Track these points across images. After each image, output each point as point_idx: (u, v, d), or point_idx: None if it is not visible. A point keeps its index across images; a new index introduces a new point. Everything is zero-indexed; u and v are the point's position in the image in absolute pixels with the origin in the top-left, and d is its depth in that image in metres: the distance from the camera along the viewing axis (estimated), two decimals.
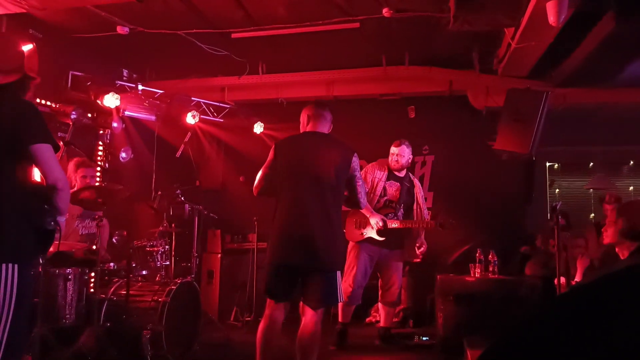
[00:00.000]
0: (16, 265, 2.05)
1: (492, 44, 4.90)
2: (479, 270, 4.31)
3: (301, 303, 2.89)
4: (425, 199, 4.79)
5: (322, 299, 2.84)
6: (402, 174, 4.44)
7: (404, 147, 4.36)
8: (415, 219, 4.41)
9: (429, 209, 4.63)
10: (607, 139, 5.72)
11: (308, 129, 3.07)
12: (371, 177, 4.35)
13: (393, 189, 4.35)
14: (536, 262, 4.47)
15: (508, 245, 5.51)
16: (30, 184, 2.20)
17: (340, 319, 4.35)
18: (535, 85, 4.91)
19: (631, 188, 6.24)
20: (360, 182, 3.01)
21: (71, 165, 4.32)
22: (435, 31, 4.68)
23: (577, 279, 3.95)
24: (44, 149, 2.12)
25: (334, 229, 2.88)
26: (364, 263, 4.23)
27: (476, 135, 5.59)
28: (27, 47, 2.26)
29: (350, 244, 4.30)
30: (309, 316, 2.81)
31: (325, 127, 3.07)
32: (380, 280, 4.45)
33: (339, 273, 2.90)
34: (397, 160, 4.35)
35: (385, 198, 4.32)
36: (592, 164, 6.13)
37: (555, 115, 5.10)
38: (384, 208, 4.31)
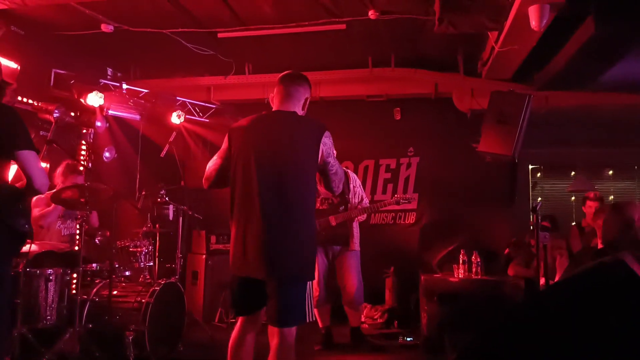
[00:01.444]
0: None
1: (476, 47, 4.96)
2: (463, 271, 4.36)
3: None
4: (410, 200, 4.78)
5: (283, 316, 2.28)
6: None
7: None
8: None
9: (413, 210, 4.65)
10: (589, 142, 5.83)
11: (274, 108, 2.56)
12: None
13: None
14: (519, 262, 4.53)
15: (491, 246, 5.58)
16: (6, 186, 2.19)
17: (320, 324, 4.37)
18: (519, 88, 4.98)
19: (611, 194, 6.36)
20: (333, 169, 2.47)
21: (62, 168, 4.28)
22: (421, 33, 4.72)
23: (557, 279, 4.01)
24: (30, 156, 2.18)
25: (297, 230, 2.33)
26: (320, 263, 4.19)
27: (461, 137, 5.65)
28: None
29: None
30: (274, 338, 2.30)
31: (294, 104, 2.51)
32: (339, 282, 4.35)
33: (309, 284, 2.38)
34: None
35: (321, 197, 4.27)
36: (573, 173, 6.23)
37: (538, 118, 5.17)
38: (321, 205, 4.30)
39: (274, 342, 2.29)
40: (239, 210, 2.41)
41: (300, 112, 2.54)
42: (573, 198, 6.30)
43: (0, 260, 2.19)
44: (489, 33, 4.36)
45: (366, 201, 4.50)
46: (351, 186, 4.41)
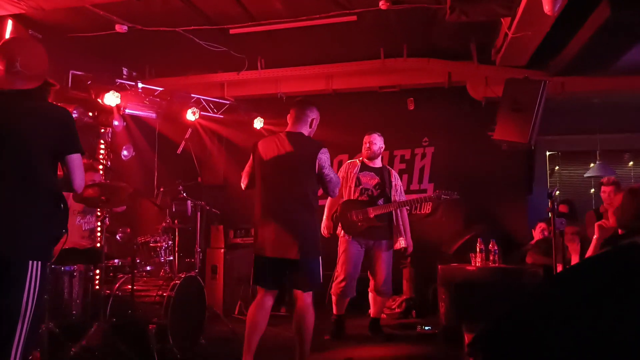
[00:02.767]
0: (40, 263, 2.14)
1: (489, 34, 4.91)
2: (480, 260, 4.35)
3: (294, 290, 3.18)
4: (426, 190, 4.82)
5: (303, 284, 3.14)
6: (377, 164, 4.51)
7: (375, 135, 4.49)
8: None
9: (429, 198, 4.65)
10: (607, 127, 5.74)
11: (287, 129, 3.32)
12: (344, 173, 4.46)
13: (367, 177, 4.44)
14: (537, 250, 4.50)
15: (509, 234, 5.55)
16: (57, 188, 2.29)
17: (334, 312, 4.41)
18: (534, 74, 4.92)
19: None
20: (328, 177, 3.20)
21: None
22: (433, 23, 4.69)
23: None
24: (77, 159, 2.29)
25: (303, 219, 3.12)
26: (352, 255, 4.29)
27: (476, 126, 5.61)
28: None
29: (340, 239, 4.38)
30: (298, 298, 3.14)
31: (302, 127, 3.28)
32: (368, 271, 4.47)
33: (319, 259, 3.18)
34: (368, 147, 4.45)
35: (360, 187, 4.39)
36: (593, 164, 6.12)
37: (555, 104, 5.11)
38: (360, 195, 4.38)
39: (298, 303, 3.13)
40: (264, 207, 3.18)
41: (307, 130, 3.30)
42: (592, 184, 6.22)
43: (48, 258, 2.28)
44: (501, 19, 4.31)
45: (404, 197, 4.57)
46: (393, 182, 4.49)
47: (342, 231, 4.36)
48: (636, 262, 1.11)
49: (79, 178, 2.31)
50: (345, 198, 4.40)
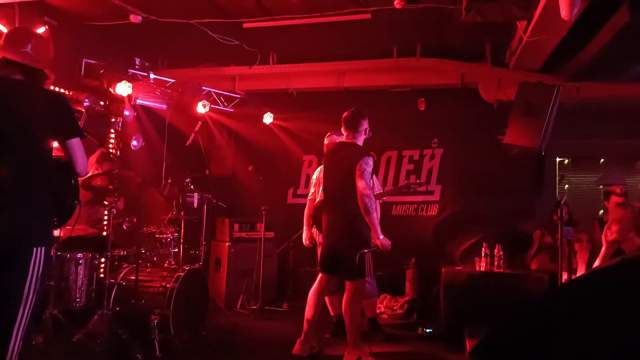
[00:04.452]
0: (43, 248, 2.16)
1: (504, 36, 4.85)
2: (485, 264, 4.32)
3: None
4: (433, 192, 4.80)
5: (348, 274, 3.55)
6: None
7: None
8: None
9: (436, 202, 4.64)
10: (619, 134, 5.65)
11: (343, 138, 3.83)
12: (319, 175, 4.34)
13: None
14: (542, 256, 4.45)
15: (516, 240, 5.50)
16: (63, 162, 2.33)
17: (331, 313, 4.42)
18: (548, 79, 4.86)
19: None
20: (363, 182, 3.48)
21: (97, 156, 4.42)
22: (447, 23, 4.65)
23: (580, 273, 3.93)
24: (78, 143, 2.33)
25: (355, 217, 3.50)
26: None
27: (486, 129, 5.55)
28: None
29: (317, 242, 4.33)
30: (346, 291, 3.62)
31: (353, 135, 3.72)
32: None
33: (364, 252, 3.50)
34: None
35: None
36: (602, 160, 6.05)
37: (568, 109, 5.04)
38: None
39: (345, 294, 3.59)
40: (325, 205, 3.76)
41: (361, 137, 3.71)
42: (602, 192, 6.13)
43: (52, 243, 2.32)
44: (517, 22, 4.26)
45: (379, 189, 4.57)
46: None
47: (320, 235, 4.30)
48: None
49: (82, 161, 2.36)
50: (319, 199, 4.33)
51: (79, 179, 2.48)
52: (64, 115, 2.32)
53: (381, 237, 3.49)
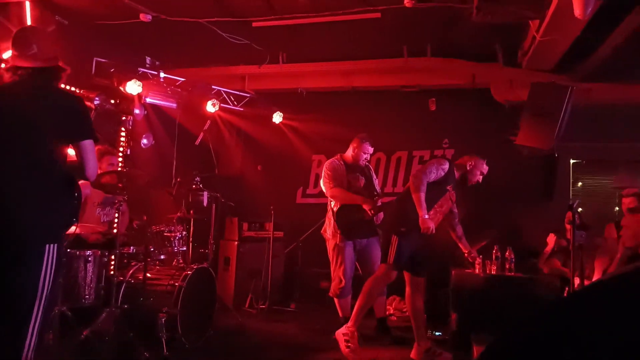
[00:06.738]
0: (56, 245, 2.17)
1: (516, 36, 4.79)
2: (495, 267, 4.26)
3: None
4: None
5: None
6: (363, 163, 4.52)
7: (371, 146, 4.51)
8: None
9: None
10: (634, 136, 5.55)
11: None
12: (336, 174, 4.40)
13: (355, 179, 4.41)
14: (554, 260, 4.39)
15: (527, 243, 5.42)
16: (66, 165, 2.32)
17: (340, 314, 4.40)
18: (560, 79, 4.79)
19: None
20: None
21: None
22: (458, 22, 4.60)
23: (595, 278, 3.87)
24: (89, 145, 2.31)
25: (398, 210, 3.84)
26: (350, 259, 4.34)
27: (498, 130, 5.49)
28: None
29: (332, 243, 4.36)
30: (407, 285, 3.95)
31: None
32: (360, 270, 4.48)
33: (393, 237, 3.71)
34: (365, 158, 4.46)
35: (351, 190, 4.35)
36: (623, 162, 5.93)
37: (581, 111, 4.96)
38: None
39: (407, 289, 3.96)
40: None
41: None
42: (617, 195, 6.02)
43: (63, 239, 2.33)
44: (529, 22, 4.20)
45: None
46: (374, 177, 4.53)
47: (339, 236, 4.31)
48: None
49: (92, 165, 2.34)
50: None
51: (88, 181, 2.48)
52: (76, 118, 2.30)
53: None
